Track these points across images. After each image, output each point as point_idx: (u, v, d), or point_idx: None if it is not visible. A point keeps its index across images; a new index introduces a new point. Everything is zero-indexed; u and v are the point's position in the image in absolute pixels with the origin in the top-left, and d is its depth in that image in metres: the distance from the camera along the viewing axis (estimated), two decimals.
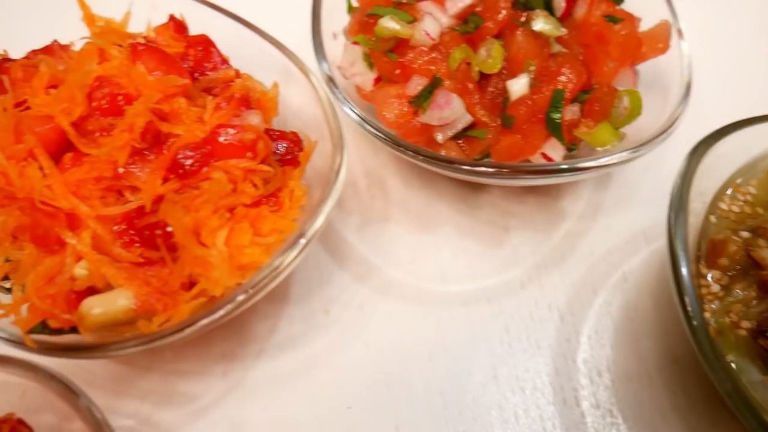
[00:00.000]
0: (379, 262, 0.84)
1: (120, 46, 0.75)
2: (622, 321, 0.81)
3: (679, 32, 0.82)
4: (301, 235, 0.64)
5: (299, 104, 0.81)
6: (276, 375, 0.77)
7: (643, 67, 0.85)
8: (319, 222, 0.64)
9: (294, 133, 0.75)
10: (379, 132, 0.75)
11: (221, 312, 0.60)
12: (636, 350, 0.79)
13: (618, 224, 0.87)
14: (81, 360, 0.74)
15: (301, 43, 0.84)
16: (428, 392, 0.76)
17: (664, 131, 0.71)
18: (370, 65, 0.80)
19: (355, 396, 0.76)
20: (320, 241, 0.85)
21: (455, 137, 0.77)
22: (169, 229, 0.64)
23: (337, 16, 0.87)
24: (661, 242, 0.85)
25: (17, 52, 0.75)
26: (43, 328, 0.65)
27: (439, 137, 0.76)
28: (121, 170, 0.66)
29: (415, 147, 0.73)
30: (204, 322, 0.60)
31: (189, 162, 0.65)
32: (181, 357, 0.78)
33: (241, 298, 0.61)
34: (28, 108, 0.67)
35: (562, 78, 0.74)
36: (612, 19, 0.78)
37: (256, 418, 0.75)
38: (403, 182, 0.90)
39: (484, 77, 0.79)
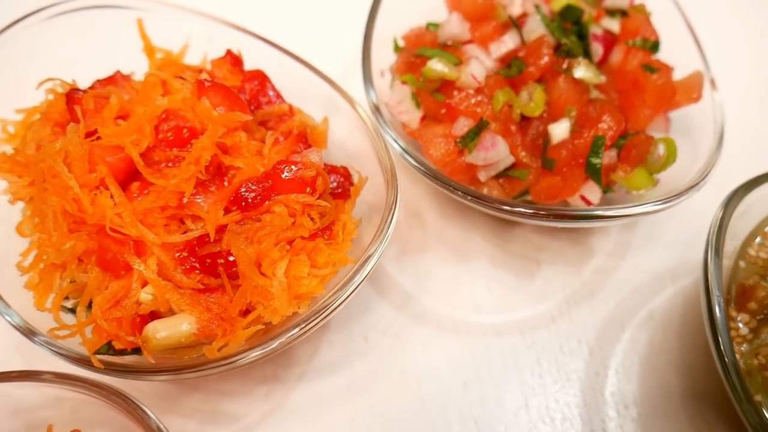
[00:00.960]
0: (416, 292, 0.88)
1: (181, 78, 0.78)
2: (648, 357, 0.84)
3: (712, 82, 0.86)
4: (357, 272, 0.67)
5: (342, 135, 0.85)
6: (316, 398, 0.80)
7: (674, 114, 0.89)
8: (374, 260, 0.68)
9: (344, 168, 0.78)
10: (422, 166, 0.78)
11: (282, 340, 0.63)
12: (661, 385, 0.82)
13: (645, 263, 0.91)
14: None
15: (343, 79, 0.87)
16: (462, 420, 0.79)
17: (698, 181, 0.75)
18: (417, 104, 0.83)
19: (393, 421, 0.79)
20: None
21: (496, 177, 0.81)
22: (231, 258, 0.67)
23: (382, 54, 0.91)
24: (686, 281, 0.89)
25: (79, 81, 0.78)
26: (108, 349, 0.68)
27: (482, 176, 0.79)
28: (185, 200, 0.69)
29: (460, 185, 0.76)
30: (267, 349, 0.63)
31: (251, 195, 0.68)
32: (225, 378, 0.81)
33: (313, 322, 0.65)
34: (98, 138, 0.71)
35: (603, 125, 0.77)
36: (649, 68, 0.82)
37: None
38: (439, 214, 0.93)
39: (524, 119, 0.83)
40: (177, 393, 0.80)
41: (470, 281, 0.89)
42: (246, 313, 0.69)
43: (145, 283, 0.68)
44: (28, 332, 0.67)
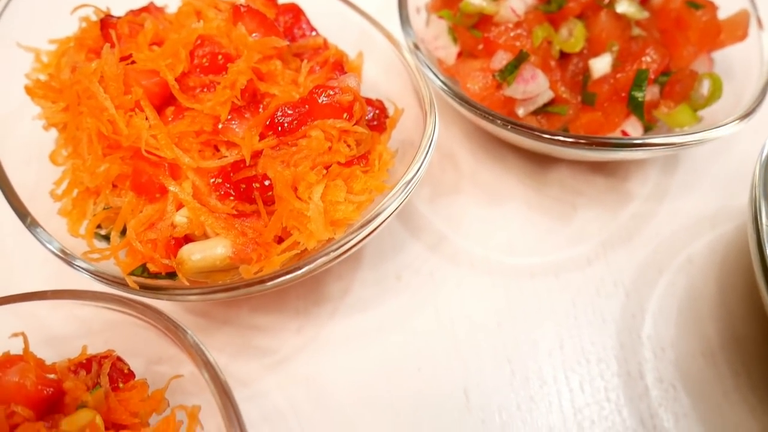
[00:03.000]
0: (450, 233, 0.86)
1: (215, 8, 0.77)
2: (686, 301, 0.82)
3: (759, 21, 0.84)
4: (404, 182, 0.66)
5: (374, 75, 0.83)
6: (348, 334, 0.80)
7: (717, 55, 0.87)
8: (421, 171, 0.67)
9: (380, 101, 0.77)
10: (464, 100, 0.77)
11: (319, 261, 0.62)
12: (699, 330, 0.80)
13: (683, 208, 0.89)
14: (167, 303, 0.77)
15: (379, 17, 0.85)
16: (496, 359, 0.78)
17: (745, 115, 0.73)
18: (454, 39, 0.82)
19: (425, 359, 0.78)
20: None
21: (535, 113, 0.79)
22: (266, 182, 0.66)
23: None
24: (726, 227, 0.87)
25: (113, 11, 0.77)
26: (142, 271, 0.67)
27: (521, 111, 0.78)
28: (220, 126, 0.68)
29: (499, 114, 0.74)
30: (303, 270, 0.62)
31: (287, 120, 0.67)
32: (257, 312, 0.81)
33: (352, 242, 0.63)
34: (133, 62, 0.70)
35: (646, 59, 0.75)
36: (693, 5, 0.80)
37: (328, 373, 0.77)
38: (473, 157, 0.92)
39: (563, 56, 0.81)
40: (208, 327, 0.79)
41: (504, 223, 0.87)
42: (281, 241, 0.68)
43: (179, 206, 0.67)
44: (63, 255, 0.66)
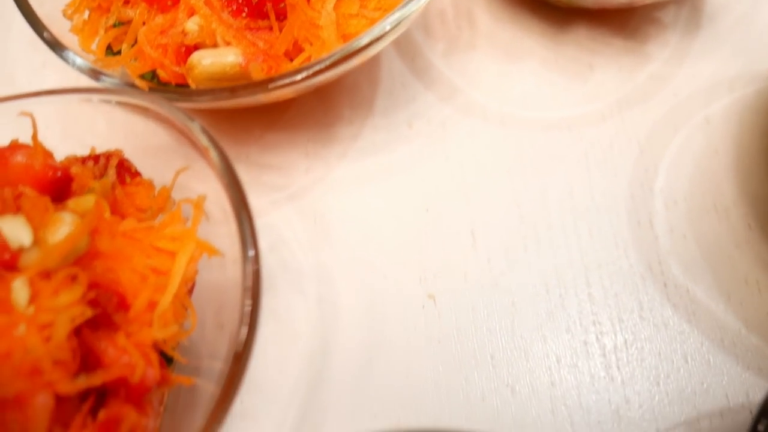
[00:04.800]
0: (464, 86, 0.85)
1: None
2: (702, 158, 0.81)
3: None
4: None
5: None
6: (357, 176, 0.79)
7: None
8: None
9: None
10: None
11: (330, 61, 0.62)
12: (714, 186, 0.79)
13: (702, 72, 0.87)
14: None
15: None
16: (504, 203, 0.78)
17: None
18: None
19: (433, 201, 0.78)
20: (406, 63, 0.87)
21: None
22: None
23: None
24: (746, 90, 0.85)
25: None
26: (152, 78, 0.67)
27: None
28: None
29: None
30: (315, 68, 0.61)
31: None
32: (266, 151, 0.81)
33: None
34: None
35: None
36: None
37: (336, 211, 0.77)
38: (490, 15, 0.90)
39: None
40: None
41: (519, 80, 0.86)
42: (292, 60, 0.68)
43: (191, 14, 0.66)
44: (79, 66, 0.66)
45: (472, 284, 0.74)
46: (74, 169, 0.59)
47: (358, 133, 0.82)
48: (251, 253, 0.54)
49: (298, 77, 0.61)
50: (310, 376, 0.70)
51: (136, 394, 0.55)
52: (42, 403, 0.51)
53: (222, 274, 0.61)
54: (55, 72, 0.85)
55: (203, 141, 0.57)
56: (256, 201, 0.77)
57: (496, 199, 0.78)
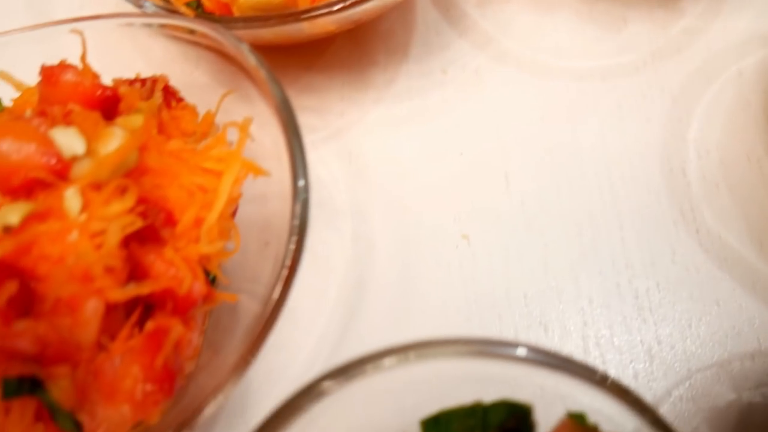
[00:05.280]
0: (497, 35, 0.86)
1: None
2: (734, 110, 0.81)
3: None
4: None
5: None
6: (392, 120, 0.80)
7: None
8: None
9: None
10: None
11: None
12: (746, 137, 0.79)
13: (736, 26, 0.87)
14: None
15: None
16: (538, 149, 0.78)
17: None
18: None
19: (468, 145, 0.79)
20: (441, 12, 0.87)
21: None
22: None
23: None
24: None
25: None
26: (196, 8, 0.68)
27: None
28: None
29: None
30: None
31: None
32: (302, 93, 0.81)
33: None
34: None
35: None
36: None
37: (370, 152, 0.78)
38: None
39: None
40: None
41: (553, 30, 0.87)
42: None
43: None
44: None
45: (506, 226, 0.75)
46: (122, 90, 0.59)
47: (393, 79, 0.83)
48: (300, 170, 0.55)
49: (338, 6, 0.62)
50: (345, 311, 0.71)
51: (182, 308, 0.56)
52: (93, 308, 0.52)
53: (263, 205, 0.62)
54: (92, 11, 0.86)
55: (252, 61, 0.58)
56: None
57: (530, 144, 0.78)
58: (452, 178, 0.77)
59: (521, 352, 0.47)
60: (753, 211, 0.75)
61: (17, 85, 0.62)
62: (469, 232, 0.74)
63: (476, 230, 0.74)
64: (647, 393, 0.66)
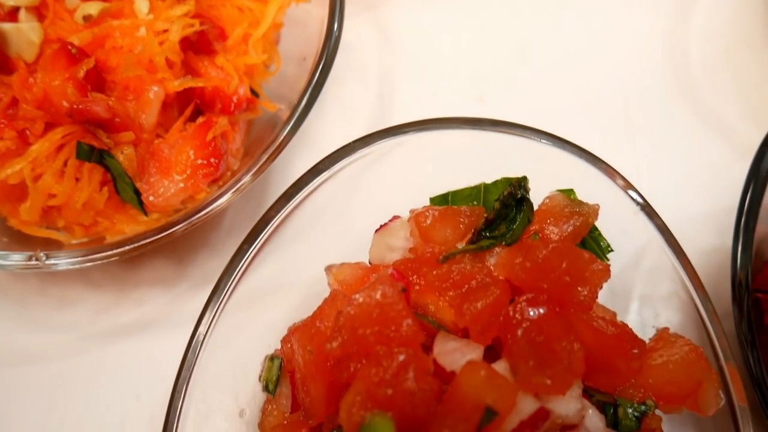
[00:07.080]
0: None
1: None
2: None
3: None
4: None
5: None
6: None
7: None
8: None
9: None
10: None
11: None
12: (748, 24, 0.85)
13: None
14: None
15: None
16: (548, 29, 0.86)
17: None
18: None
19: (486, 22, 0.86)
20: None
21: None
22: None
23: None
24: None
25: None
26: None
27: None
28: None
29: None
30: None
31: None
32: None
33: None
34: None
35: None
36: None
37: (400, 23, 0.86)
38: None
39: None
40: None
41: None
42: None
43: None
44: None
45: (519, 92, 0.82)
46: None
47: None
48: None
49: None
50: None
51: (228, 108, 0.64)
52: (155, 93, 0.61)
53: (303, 29, 0.70)
54: None
55: None
56: None
57: (541, 25, 0.85)
58: (472, 48, 0.84)
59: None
60: (749, 93, 0.81)
61: None
62: (486, 94, 0.82)
63: (492, 93, 0.82)
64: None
